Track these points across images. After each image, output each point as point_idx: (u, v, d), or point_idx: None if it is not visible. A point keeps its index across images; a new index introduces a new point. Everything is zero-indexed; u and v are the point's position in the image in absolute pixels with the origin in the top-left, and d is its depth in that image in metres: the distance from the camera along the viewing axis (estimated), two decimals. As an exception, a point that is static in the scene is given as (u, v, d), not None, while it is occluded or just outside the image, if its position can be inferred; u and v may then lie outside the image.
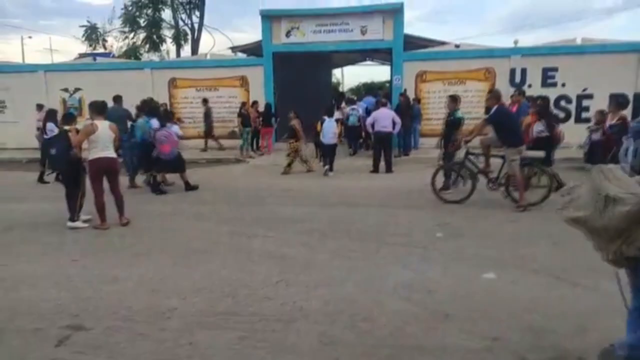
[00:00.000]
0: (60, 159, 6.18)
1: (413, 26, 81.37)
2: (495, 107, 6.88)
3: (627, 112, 12.88)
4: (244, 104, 13.69)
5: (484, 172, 7.27)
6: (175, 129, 9.03)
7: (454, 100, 8.29)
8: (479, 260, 4.65)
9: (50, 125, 8.80)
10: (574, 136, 12.49)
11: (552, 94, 12.96)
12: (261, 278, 4.25)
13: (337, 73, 34.05)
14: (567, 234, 5.41)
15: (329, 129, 10.33)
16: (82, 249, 5.31)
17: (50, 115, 9.38)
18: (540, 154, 7.30)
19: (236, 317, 3.52)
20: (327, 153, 10.43)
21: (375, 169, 10.43)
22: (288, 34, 14.55)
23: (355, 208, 7.09)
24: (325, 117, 10.53)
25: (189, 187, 8.61)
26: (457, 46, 14.42)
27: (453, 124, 8.24)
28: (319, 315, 3.51)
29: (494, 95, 7.13)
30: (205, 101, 14.38)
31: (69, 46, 73.51)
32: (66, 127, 6.47)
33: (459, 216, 6.43)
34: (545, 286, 3.98)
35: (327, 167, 10.31)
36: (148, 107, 9.12)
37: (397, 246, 5.16)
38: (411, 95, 13.70)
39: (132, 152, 9.21)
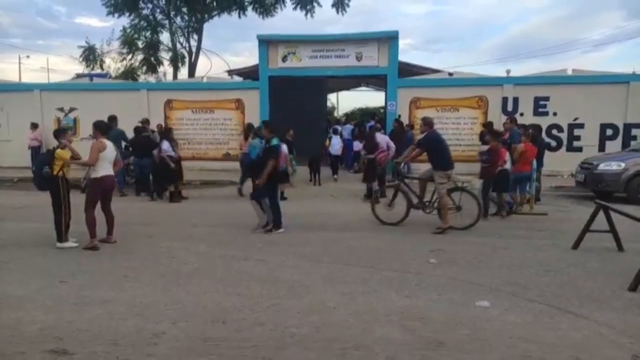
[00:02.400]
0: (35, 175, 6.17)
1: (408, 54, 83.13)
2: (425, 133, 7.37)
3: (617, 142, 13.19)
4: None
5: (419, 197, 7.60)
6: (284, 147, 9.87)
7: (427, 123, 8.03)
8: (472, 287, 4.62)
9: (165, 145, 10.05)
10: (565, 165, 12.68)
11: (543, 122, 13.20)
12: (253, 302, 4.18)
13: (332, 98, 34.43)
14: (560, 262, 5.46)
15: (336, 144, 13.81)
16: (70, 270, 5.21)
17: (164, 135, 10.49)
18: (469, 178, 8.14)
19: (226, 343, 3.44)
20: (333, 162, 13.66)
21: (370, 194, 10.42)
22: (284, 59, 14.76)
23: (348, 232, 7.06)
24: (332, 135, 14.32)
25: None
26: (450, 74, 14.68)
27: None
28: (310, 342, 3.45)
29: (425, 122, 7.57)
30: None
31: (67, 66, 74.09)
32: (62, 142, 6.39)
33: (453, 243, 6.41)
34: (539, 314, 3.94)
35: (335, 175, 13.33)
36: (253, 131, 10.51)
37: (391, 272, 5.11)
38: (405, 121, 13.86)
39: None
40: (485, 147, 12.58)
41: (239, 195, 10.54)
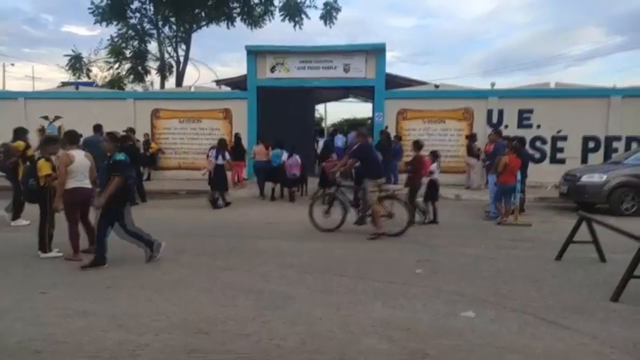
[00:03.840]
0: (24, 188, 6.13)
1: (395, 66, 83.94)
2: (359, 144, 7.68)
3: (599, 154, 13.45)
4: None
5: (354, 205, 7.97)
6: (297, 157, 11.59)
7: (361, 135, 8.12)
8: (458, 297, 4.63)
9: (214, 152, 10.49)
10: (549, 176, 12.87)
11: (527, 135, 13.43)
12: (237, 314, 4.14)
13: (320, 109, 34.58)
14: (544, 272, 5.51)
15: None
16: (51, 281, 5.11)
17: (221, 145, 10.76)
18: (399, 187, 8.80)
19: (210, 355, 3.39)
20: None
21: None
22: (273, 69, 14.82)
23: (335, 242, 7.05)
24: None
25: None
26: (436, 86, 14.88)
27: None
28: (295, 354, 3.42)
29: (359, 133, 7.96)
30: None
31: (52, 75, 73.30)
32: (52, 154, 6.31)
33: (439, 253, 6.44)
34: (523, 325, 3.96)
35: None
36: (277, 142, 11.89)
37: (377, 282, 5.11)
38: (392, 132, 13.96)
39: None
40: (471, 159, 12.80)
41: (261, 198, 11.76)
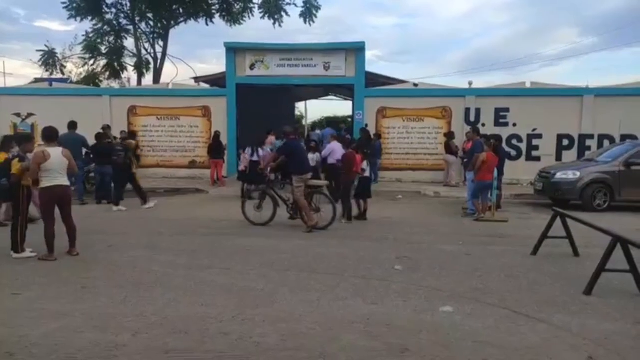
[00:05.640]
0: None
1: (375, 64, 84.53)
2: (285, 141, 8.01)
3: (573, 152, 13.79)
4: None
5: (284, 200, 8.27)
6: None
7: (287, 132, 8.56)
8: (436, 293, 4.69)
9: (262, 151, 10.57)
10: (525, 174, 13.14)
11: (504, 133, 13.67)
12: (217, 312, 4.10)
13: (300, 107, 34.56)
14: (520, 267, 5.63)
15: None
16: (25, 281, 4.98)
17: (260, 142, 10.86)
18: (325, 182, 9.17)
19: (189, 354, 3.35)
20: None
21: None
22: (252, 67, 14.72)
23: (316, 240, 7.05)
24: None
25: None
26: (415, 85, 15.00)
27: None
28: (275, 352, 3.41)
29: (284, 132, 8.40)
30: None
31: (25, 70, 71.14)
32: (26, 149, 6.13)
33: (417, 249, 6.51)
34: (500, 319, 4.04)
35: None
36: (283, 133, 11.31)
37: (358, 279, 5.13)
38: (372, 130, 14.03)
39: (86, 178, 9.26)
40: (449, 157, 12.97)
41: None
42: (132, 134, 12.67)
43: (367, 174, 8.92)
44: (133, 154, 10.42)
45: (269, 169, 8.29)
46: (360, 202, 8.81)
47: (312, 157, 9.86)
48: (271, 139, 12.46)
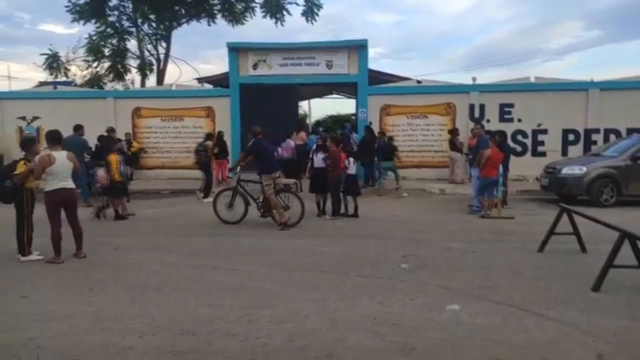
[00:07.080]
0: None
1: (378, 62, 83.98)
2: (252, 140, 8.07)
3: (579, 147, 13.70)
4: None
5: (254, 199, 8.29)
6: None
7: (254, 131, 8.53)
8: (443, 291, 4.67)
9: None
10: (530, 169, 13.07)
11: (509, 128, 13.58)
12: (224, 313, 4.10)
13: (304, 105, 34.49)
14: (527, 264, 5.59)
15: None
16: (32, 284, 5.00)
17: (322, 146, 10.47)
18: (293, 180, 9.31)
19: (197, 355, 3.36)
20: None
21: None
22: (255, 67, 14.71)
23: (320, 239, 7.05)
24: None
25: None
26: (419, 82, 14.94)
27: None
28: (282, 352, 3.40)
29: (251, 131, 8.36)
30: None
31: (29, 74, 71.28)
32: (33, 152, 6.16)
33: (423, 247, 6.49)
34: (507, 317, 4.01)
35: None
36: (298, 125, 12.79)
37: (363, 278, 5.12)
38: (376, 128, 13.99)
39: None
40: (454, 153, 12.92)
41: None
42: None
43: (351, 171, 8.97)
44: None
45: (238, 168, 8.39)
46: (347, 198, 8.88)
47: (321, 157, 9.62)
48: (302, 135, 12.81)
